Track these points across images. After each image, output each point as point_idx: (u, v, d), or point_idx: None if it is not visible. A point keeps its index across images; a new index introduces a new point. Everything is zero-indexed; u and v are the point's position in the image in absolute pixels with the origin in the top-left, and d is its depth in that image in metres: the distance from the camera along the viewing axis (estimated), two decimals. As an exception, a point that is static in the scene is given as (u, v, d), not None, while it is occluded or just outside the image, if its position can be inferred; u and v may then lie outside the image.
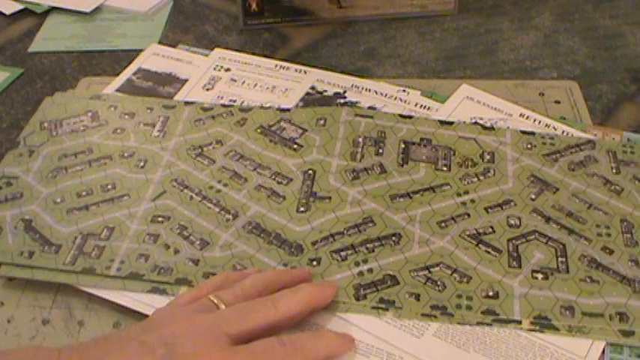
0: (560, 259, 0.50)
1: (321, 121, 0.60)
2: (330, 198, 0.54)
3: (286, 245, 0.51)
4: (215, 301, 0.44)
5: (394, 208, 0.54)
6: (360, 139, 0.59)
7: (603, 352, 0.45)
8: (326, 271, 0.49)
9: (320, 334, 0.46)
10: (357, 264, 0.50)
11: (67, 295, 0.50)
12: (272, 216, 0.53)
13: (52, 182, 0.57)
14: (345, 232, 0.52)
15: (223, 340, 0.41)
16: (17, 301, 0.50)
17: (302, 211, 0.53)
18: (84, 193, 0.56)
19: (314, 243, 0.51)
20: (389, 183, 0.56)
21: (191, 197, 0.55)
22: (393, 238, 0.51)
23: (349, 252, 0.50)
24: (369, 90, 0.66)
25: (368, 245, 0.51)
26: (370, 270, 0.49)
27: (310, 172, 0.56)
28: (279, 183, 0.56)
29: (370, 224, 0.52)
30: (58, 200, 0.55)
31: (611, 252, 0.50)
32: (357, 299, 0.48)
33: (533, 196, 0.54)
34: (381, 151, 0.58)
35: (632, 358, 0.45)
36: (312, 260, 0.50)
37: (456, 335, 0.46)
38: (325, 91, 0.66)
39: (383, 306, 0.47)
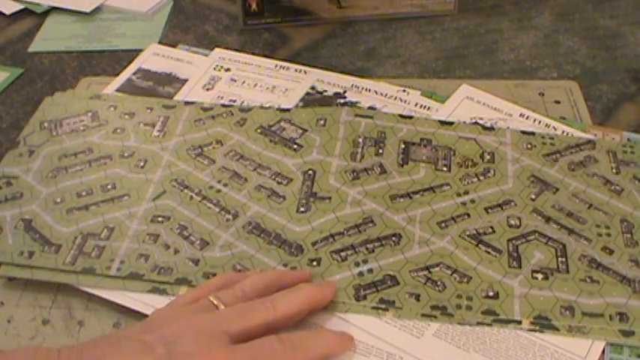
0: (560, 259, 0.50)
1: (321, 122, 0.60)
2: (330, 198, 0.54)
3: (286, 245, 0.51)
4: (215, 301, 0.44)
5: (394, 208, 0.54)
6: (360, 140, 0.59)
7: (603, 352, 0.45)
8: (326, 271, 0.49)
9: (319, 332, 0.46)
10: (357, 264, 0.50)
11: (67, 295, 0.50)
12: (272, 216, 0.53)
13: (52, 182, 0.57)
14: (345, 232, 0.52)
15: (223, 339, 0.41)
16: (17, 301, 0.50)
17: (302, 212, 0.53)
18: (84, 193, 0.56)
19: (314, 243, 0.51)
20: (389, 183, 0.56)
21: (191, 197, 0.55)
22: (393, 238, 0.51)
23: (349, 252, 0.50)
24: (369, 90, 0.66)
25: (368, 245, 0.51)
26: (370, 270, 0.49)
27: (310, 172, 0.56)
28: (279, 183, 0.56)
29: (370, 224, 0.52)
30: (58, 200, 0.55)
31: (611, 252, 0.50)
32: (357, 299, 0.48)
33: (533, 196, 0.54)
34: (381, 151, 0.58)
35: (632, 358, 0.45)
36: (312, 260, 0.50)
37: (455, 335, 0.46)
38: (325, 91, 0.66)
39: (383, 306, 0.47)
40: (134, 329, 0.42)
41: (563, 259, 0.50)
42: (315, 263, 0.50)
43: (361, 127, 0.60)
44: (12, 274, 0.51)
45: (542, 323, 0.46)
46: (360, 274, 0.49)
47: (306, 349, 0.42)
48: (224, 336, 0.41)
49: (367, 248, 0.51)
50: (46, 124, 0.62)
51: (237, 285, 0.46)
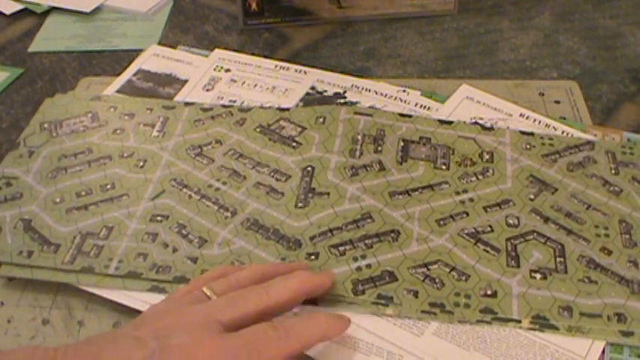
0: (558, 259, 0.50)
1: (321, 120, 0.61)
2: (328, 194, 0.54)
3: (284, 240, 0.51)
4: (207, 292, 0.43)
5: (393, 205, 0.54)
6: (359, 137, 0.59)
7: (603, 351, 0.45)
8: (324, 265, 0.49)
9: (313, 315, 0.44)
10: (355, 259, 0.50)
11: (67, 295, 0.50)
12: (270, 212, 0.53)
13: (51, 182, 0.57)
14: (343, 227, 0.52)
15: (215, 328, 0.40)
16: (17, 301, 0.50)
17: (300, 207, 0.53)
18: (83, 193, 0.56)
19: (312, 238, 0.51)
20: (388, 180, 0.56)
21: (190, 196, 0.55)
22: (392, 234, 0.51)
23: (347, 247, 0.50)
24: (369, 90, 0.66)
25: (366, 241, 0.51)
26: (368, 265, 0.49)
27: (309, 168, 0.56)
28: (277, 180, 0.56)
29: (369, 220, 0.52)
30: (58, 200, 0.55)
31: (610, 253, 0.50)
32: (355, 294, 0.48)
33: (532, 196, 0.54)
34: (380, 148, 0.58)
35: (632, 358, 0.45)
36: (310, 255, 0.50)
37: (456, 334, 0.46)
38: (325, 91, 0.66)
39: (382, 302, 0.47)
40: (129, 326, 0.42)
41: (562, 260, 0.50)
42: (313, 257, 0.50)
43: (360, 125, 0.60)
44: (12, 274, 0.51)
45: (542, 323, 0.46)
46: (359, 269, 0.49)
47: (300, 333, 0.41)
48: (217, 325, 0.41)
49: (365, 244, 0.51)
50: (46, 125, 0.62)
51: (231, 275, 0.45)
